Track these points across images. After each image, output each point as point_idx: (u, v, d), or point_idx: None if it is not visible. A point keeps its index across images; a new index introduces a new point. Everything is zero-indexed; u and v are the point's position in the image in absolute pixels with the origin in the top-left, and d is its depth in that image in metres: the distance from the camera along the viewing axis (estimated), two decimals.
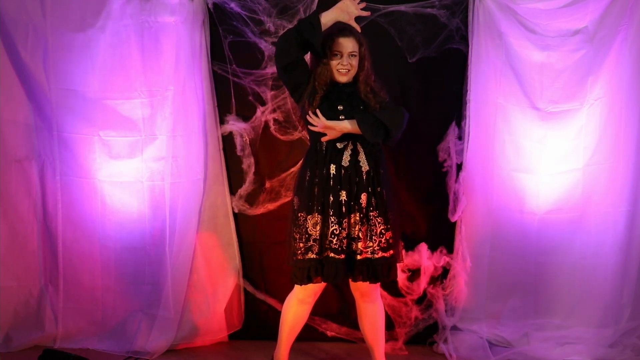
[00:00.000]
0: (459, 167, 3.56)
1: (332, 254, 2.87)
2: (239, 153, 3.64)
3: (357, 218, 2.88)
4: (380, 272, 2.91)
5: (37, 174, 3.63)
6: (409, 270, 3.59)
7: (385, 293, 3.60)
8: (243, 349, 3.65)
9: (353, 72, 2.95)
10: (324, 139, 2.92)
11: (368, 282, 2.94)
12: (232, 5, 3.46)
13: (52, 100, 3.56)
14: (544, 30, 3.46)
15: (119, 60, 3.53)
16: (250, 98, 3.60)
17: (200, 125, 3.58)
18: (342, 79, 2.94)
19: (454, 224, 3.59)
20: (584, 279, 3.58)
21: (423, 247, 3.58)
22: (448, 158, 3.55)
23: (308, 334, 3.38)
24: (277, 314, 3.25)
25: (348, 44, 2.91)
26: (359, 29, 2.91)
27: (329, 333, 3.71)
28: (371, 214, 2.90)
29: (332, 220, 2.87)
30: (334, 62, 2.91)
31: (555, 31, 3.46)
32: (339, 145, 2.93)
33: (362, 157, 2.93)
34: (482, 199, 3.59)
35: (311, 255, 2.89)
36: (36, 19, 3.49)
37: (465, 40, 3.51)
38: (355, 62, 2.94)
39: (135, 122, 3.57)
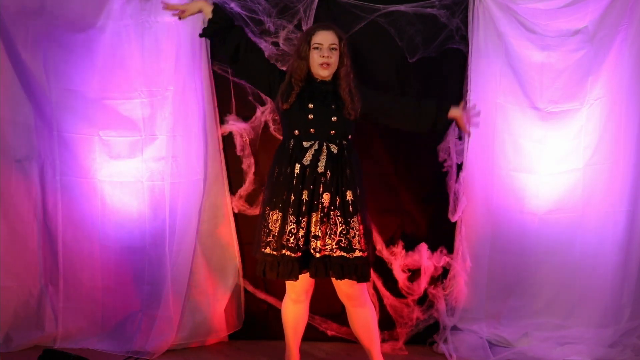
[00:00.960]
0: (459, 167, 3.56)
1: (287, 252, 2.90)
2: (239, 153, 3.63)
3: (318, 217, 2.90)
4: (338, 270, 2.89)
5: (37, 174, 3.63)
6: (409, 270, 3.59)
7: (387, 293, 3.61)
8: (243, 349, 3.65)
9: (333, 67, 2.97)
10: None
11: (353, 283, 2.94)
12: (232, 5, 3.45)
13: (52, 100, 3.56)
14: (544, 30, 3.46)
15: (119, 60, 3.53)
16: (250, 98, 3.59)
17: (200, 125, 3.57)
18: (324, 73, 2.95)
19: (454, 224, 3.59)
20: (584, 279, 3.58)
21: (423, 247, 3.58)
22: (448, 158, 3.55)
23: (308, 334, 3.37)
24: (277, 314, 3.25)
25: (328, 37, 2.95)
26: None
27: (329, 333, 3.71)
28: (332, 213, 2.91)
29: (291, 219, 2.90)
30: (315, 56, 2.94)
31: (555, 31, 3.46)
32: (305, 144, 2.95)
33: (322, 158, 2.94)
34: (482, 199, 3.59)
35: (268, 251, 2.94)
36: (36, 19, 3.49)
37: (465, 40, 3.51)
38: (335, 56, 2.96)
39: (135, 122, 3.57)
